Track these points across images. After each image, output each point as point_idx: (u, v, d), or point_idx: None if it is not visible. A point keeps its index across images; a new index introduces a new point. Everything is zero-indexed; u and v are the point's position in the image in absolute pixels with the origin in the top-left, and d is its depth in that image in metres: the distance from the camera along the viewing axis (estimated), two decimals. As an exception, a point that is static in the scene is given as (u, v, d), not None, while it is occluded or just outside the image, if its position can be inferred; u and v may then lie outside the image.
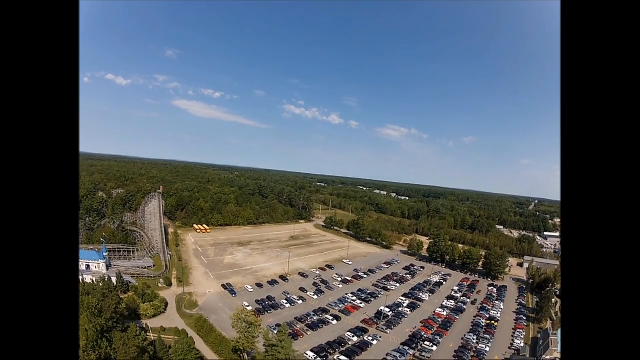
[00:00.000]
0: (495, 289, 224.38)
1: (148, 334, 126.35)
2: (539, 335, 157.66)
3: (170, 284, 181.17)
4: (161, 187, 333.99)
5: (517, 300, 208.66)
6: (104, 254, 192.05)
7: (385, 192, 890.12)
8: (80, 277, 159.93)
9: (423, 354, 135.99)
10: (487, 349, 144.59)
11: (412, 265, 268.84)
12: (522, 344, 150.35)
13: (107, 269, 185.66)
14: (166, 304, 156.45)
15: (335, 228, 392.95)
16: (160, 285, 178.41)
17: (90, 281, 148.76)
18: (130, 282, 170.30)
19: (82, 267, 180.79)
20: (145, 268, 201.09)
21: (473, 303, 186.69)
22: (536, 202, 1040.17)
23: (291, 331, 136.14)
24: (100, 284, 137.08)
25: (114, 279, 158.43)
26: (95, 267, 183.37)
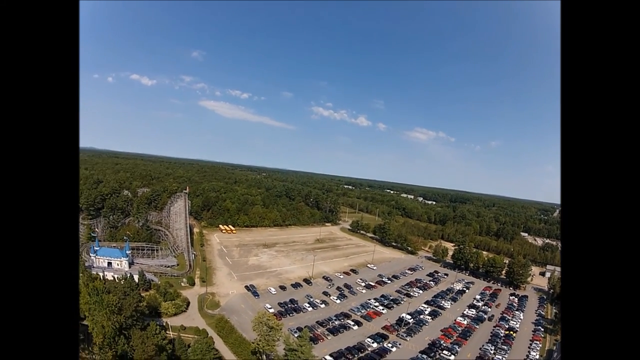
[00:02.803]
0: (516, 299, 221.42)
1: (168, 332, 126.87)
2: (554, 347, 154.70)
3: (193, 284, 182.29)
4: (187, 187, 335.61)
5: (536, 310, 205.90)
6: (127, 251, 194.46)
7: (412, 196, 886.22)
8: (102, 274, 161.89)
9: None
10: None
11: (436, 272, 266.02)
12: (537, 356, 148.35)
13: (130, 267, 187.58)
14: (188, 303, 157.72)
15: (362, 232, 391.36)
16: (183, 284, 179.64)
17: (111, 278, 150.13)
18: (153, 281, 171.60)
19: (104, 264, 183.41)
20: (168, 267, 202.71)
21: (490, 319, 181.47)
22: (560, 209, 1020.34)
23: (312, 335, 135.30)
24: (122, 282, 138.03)
25: (136, 277, 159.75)
26: (118, 265, 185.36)
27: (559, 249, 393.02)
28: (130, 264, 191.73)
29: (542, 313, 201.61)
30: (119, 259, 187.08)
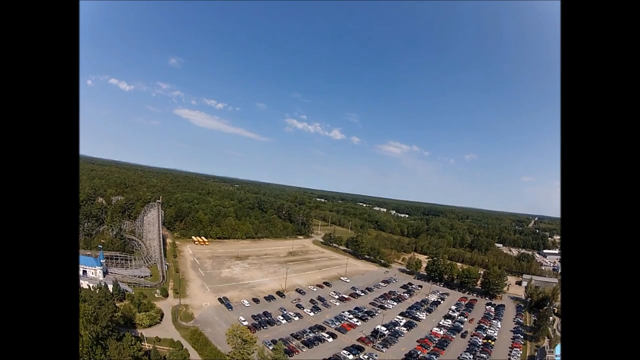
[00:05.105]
0: (493, 308, 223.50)
1: (143, 343, 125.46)
2: (536, 354, 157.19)
3: (166, 295, 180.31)
4: (161, 196, 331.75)
5: (514, 319, 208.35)
6: (102, 260, 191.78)
7: (384, 209, 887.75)
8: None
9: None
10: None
11: (410, 283, 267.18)
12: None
13: (104, 276, 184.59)
14: (162, 315, 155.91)
15: (334, 245, 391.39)
16: (156, 295, 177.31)
17: (86, 287, 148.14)
18: (127, 291, 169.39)
19: (80, 272, 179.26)
20: (142, 277, 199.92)
21: (463, 336, 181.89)
22: (536, 219, 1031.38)
23: (286, 347, 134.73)
24: (97, 291, 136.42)
25: (110, 287, 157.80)
26: (92, 273, 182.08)
27: (535, 258, 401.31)
28: (105, 273, 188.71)
29: (521, 321, 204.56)
30: (93, 268, 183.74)
